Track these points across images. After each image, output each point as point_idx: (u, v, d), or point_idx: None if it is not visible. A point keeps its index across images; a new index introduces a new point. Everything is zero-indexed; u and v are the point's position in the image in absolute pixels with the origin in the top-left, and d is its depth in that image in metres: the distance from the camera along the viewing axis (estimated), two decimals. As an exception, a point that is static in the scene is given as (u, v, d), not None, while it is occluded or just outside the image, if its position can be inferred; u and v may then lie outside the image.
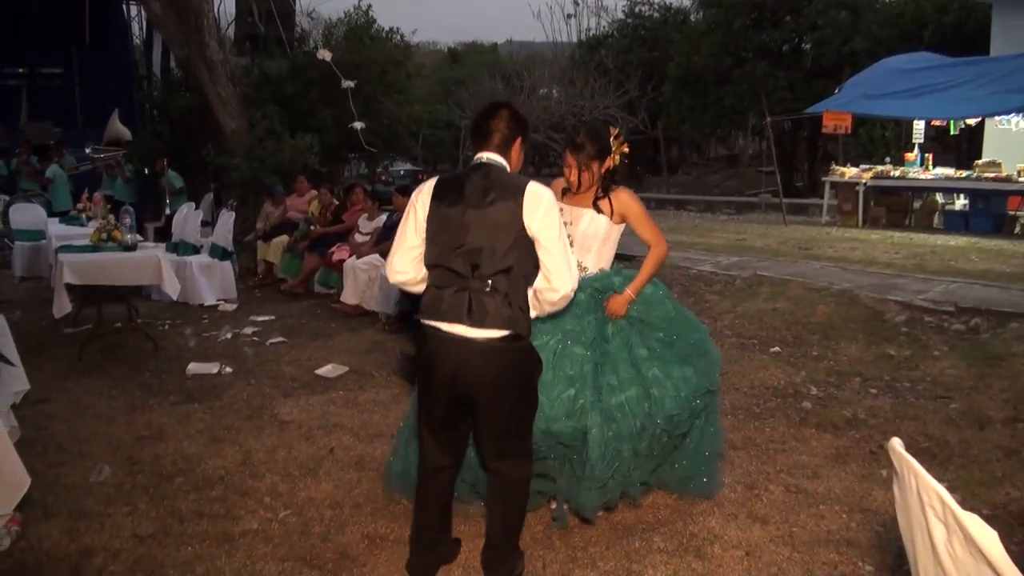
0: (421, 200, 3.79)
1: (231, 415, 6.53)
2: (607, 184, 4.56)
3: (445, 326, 3.68)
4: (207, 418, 6.46)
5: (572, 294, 3.71)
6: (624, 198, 4.57)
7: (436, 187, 3.79)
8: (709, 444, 4.74)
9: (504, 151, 3.81)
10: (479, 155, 3.82)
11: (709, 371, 4.61)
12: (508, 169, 3.80)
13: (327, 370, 7.67)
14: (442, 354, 3.71)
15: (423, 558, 4.00)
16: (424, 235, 3.77)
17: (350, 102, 13.89)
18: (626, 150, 4.70)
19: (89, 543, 4.44)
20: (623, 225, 4.63)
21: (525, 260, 3.66)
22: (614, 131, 4.69)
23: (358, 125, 13.97)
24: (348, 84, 13.71)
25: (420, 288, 3.87)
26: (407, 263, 3.84)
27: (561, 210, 4.23)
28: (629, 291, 4.50)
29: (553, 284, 3.65)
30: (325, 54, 13.91)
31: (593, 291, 4.50)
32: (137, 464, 5.53)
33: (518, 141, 3.85)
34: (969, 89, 15.17)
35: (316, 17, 27.46)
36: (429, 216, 3.74)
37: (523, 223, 3.59)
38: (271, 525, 4.65)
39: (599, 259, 4.61)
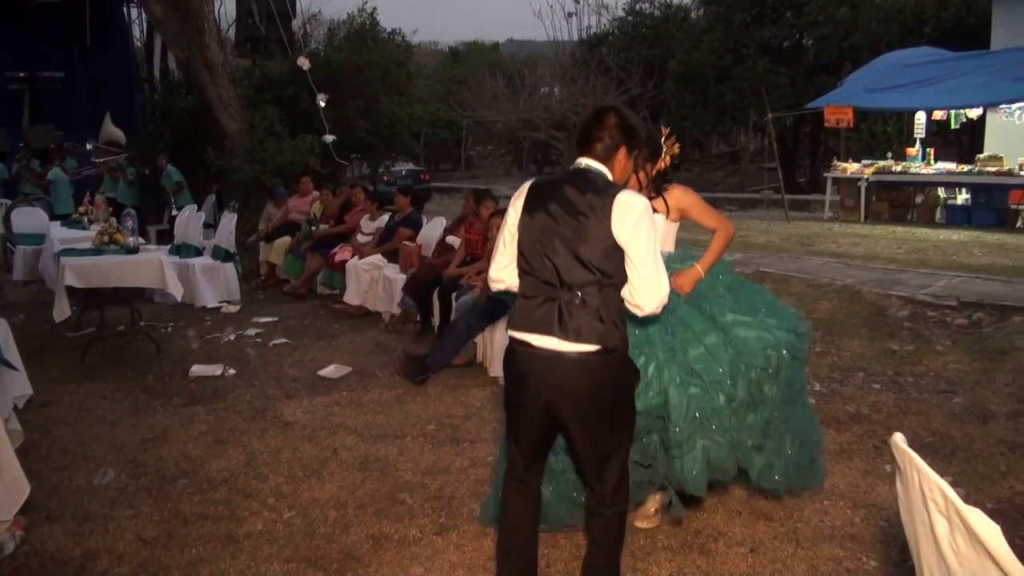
0: (514, 204, 3.61)
1: (234, 417, 6.53)
2: (659, 185, 4.43)
3: (535, 339, 3.48)
4: (210, 420, 6.46)
5: (659, 310, 3.48)
6: (678, 194, 4.46)
7: (529, 191, 3.60)
8: (802, 429, 4.42)
9: (606, 160, 3.56)
10: (579, 160, 3.60)
11: (791, 319, 4.36)
12: (609, 177, 3.55)
13: (330, 371, 7.67)
14: (532, 368, 3.51)
15: None
16: (517, 241, 3.60)
17: (321, 116, 13.99)
18: (677, 151, 4.58)
19: (93, 546, 4.45)
20: (679, 222, 4.54)
21: (618, 272, 3.43)
22: (665, 131, 4.53)
23: (329, 138, 14.05)
24: (321, 100, 13.84)
25: (511, 292, 3.73)
26: (503, 271, 3.67)
27: None
28: (698, 267, 4.33)
29: (636, 301, 3.43)
30: (304, 62, 14.00)
31: None
32: (141, 467, 5.54)
33: (622, 151, 3.58)
34: (970, 79, 15.17)
35: (319, 18, 27.46)
36: (520, 222, 3.56)
37: (612, 233, 3.37)
38: (275, 526, 4.66)
39: None
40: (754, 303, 4.38)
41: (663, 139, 4.47)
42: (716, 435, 4.00)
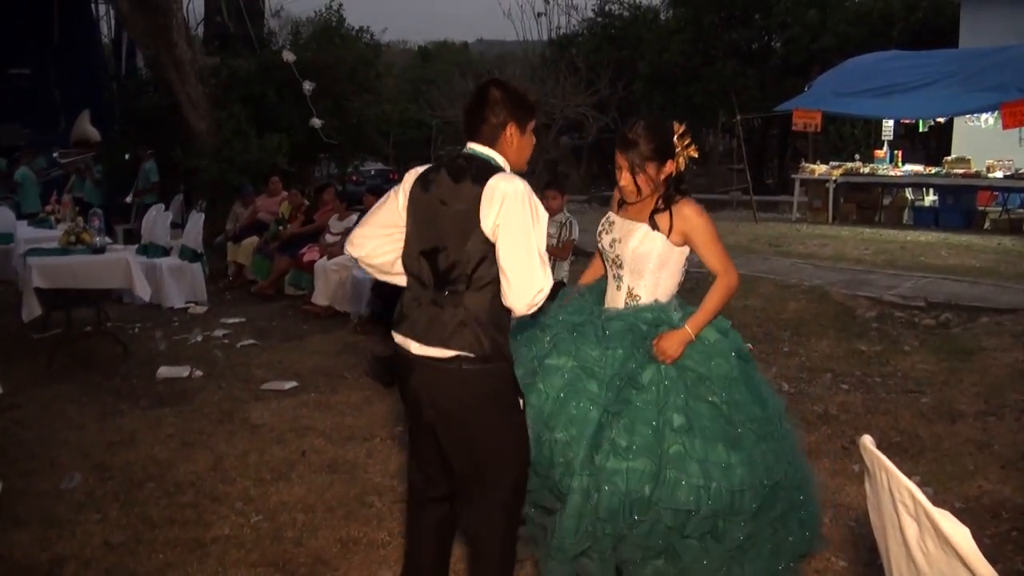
0: (404, 186, 3.27)
1: (202, 419, 6.48)
2: (669, 194, 3.63)
3: (399, 339, 3.23)
4: (178, 423, 6.40)
5: (531, 311, 3.06)
6: (688, 212, 3.60)
7: (420, 174, 3.27)
8: (787, 553, 3.57)
9: (492, 142, 3.18)
10: (467, 146, 3.24)
11: (768, 462, 3.41)
12: (497, 162, 3.17)
13: (274, 384, 7.40)
14: (404, 373, 3.25)
15: None
16: (393, 219, 3.28)
17: (308, 102, 13.89)
18: (695, 153, 3.74)
19: (60, 551, 4.40)
20: (686, 248, 3.67)
21: (494, 269, 3.07)
22: (679, 128, 3.69)
23: (316, 122, 13.95)
24: (308, 88, 13.72)
25: (381, 273, 3.39)
26: (364, 239, 3.35)
27: (612, 223, 3.77)
28: (688, 327, 3.49)
29: (506, 300, 3.05)
30: (289, 56, 13.91)
31: (635, 324, 3.57)
32: (108, 471, 5.48)
33: (511, 128, 3.17)
34: (938, 88, 15.25)
35: (284, 15, 27.30)
36: (409, 206, 3.24)
37: (480, 225, 3.03)
38: (243, 530, 4.62)
39: (655, 288, 3.66)
40: (742, 420, 3.43)
41: (676, 137, 3.67)
42: (597, 559, 3.35)
